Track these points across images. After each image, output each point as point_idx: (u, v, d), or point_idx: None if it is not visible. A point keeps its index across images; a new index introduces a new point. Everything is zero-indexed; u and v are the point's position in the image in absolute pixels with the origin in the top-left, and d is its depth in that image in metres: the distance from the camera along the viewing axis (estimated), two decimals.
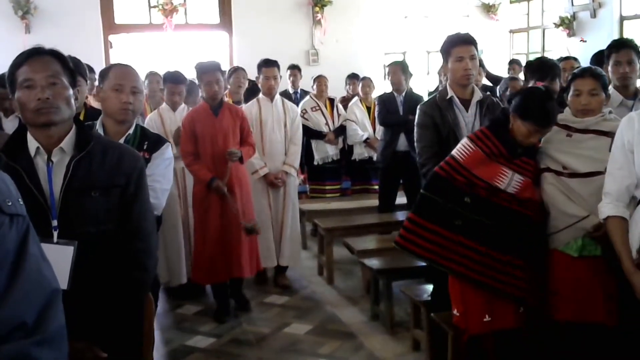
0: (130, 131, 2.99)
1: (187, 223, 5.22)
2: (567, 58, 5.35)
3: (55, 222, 2.09)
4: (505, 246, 3.09)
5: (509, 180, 3.11)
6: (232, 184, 4.73)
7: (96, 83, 5.79)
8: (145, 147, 2.97)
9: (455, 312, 3.25)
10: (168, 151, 3.06)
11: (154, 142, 3.02)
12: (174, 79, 5.33)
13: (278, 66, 5.48)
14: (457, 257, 3.12)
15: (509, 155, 3.13)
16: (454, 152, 3.25)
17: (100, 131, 2.99)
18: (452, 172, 3.19)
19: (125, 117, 2.96)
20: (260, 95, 5.58)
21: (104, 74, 3.06)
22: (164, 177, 3.01)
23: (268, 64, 5.44)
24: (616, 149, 2.65)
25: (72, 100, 2.17)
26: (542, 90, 3.19)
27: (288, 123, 5.55)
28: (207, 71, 4.73)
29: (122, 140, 2.94)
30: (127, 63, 3.16)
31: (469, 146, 3.20)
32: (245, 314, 4.93)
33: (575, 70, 3.30)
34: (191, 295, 5.25)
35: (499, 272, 3.09)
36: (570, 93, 3.16)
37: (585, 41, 8.66)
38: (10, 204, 1.32)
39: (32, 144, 2.15)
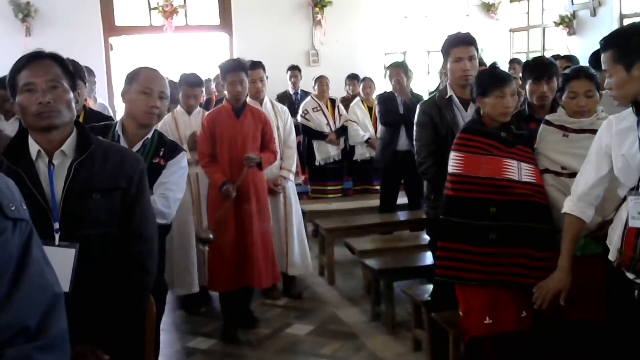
0: (149, 135, 2.99)
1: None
2: (562, 57, 5.34)
3: (57, 225, 2.09)
4: (540, 242, 3.07)
5: (518, 170, 3.10)
6: (248, 189, 4.54)
7: (95, 86, 5.85)
8: (161, 153, 2.96)
9: (460, 312, 3.25)
10: (184, 160, 3.06)
11: (171, 149, 3.01)
12: (190, 81, 5.12)
13: (263, 67, 5.21)
14: (502, 268, 3.07)
15: (497, 143, 3.14)
16: (450, 170, 3.21)
17: (119, 132, 3.00)
18: (463, 186, 3.15)
19: (150, 121, 2.96)
20: (248, 99, 5.12)
21: (132, 76, 3.02)
22: (178, 185, 3.00)
23: (252, 67, 5.08)
24: (593, 151, 2.70)
25: (73, 104, 2.18)
26: (486, 67, 3.29)
27: (280, 126, 5.28)
28: (231, 70, 4.53)
29: (139, 144, 2.95)
30: (139, 66, 3.13)
31: (458, 156, 3.19)
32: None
33: (568, 71, 3.29)
34: (202, 303, 5.11)
35: (539, 269, 3.05)
36: (565, 94, 3.16)
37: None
38: (13, 208, 1.32)
39: (33, 147, 2.15)
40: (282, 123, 5.31)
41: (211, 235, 4.30)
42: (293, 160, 5.38)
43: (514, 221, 3.06)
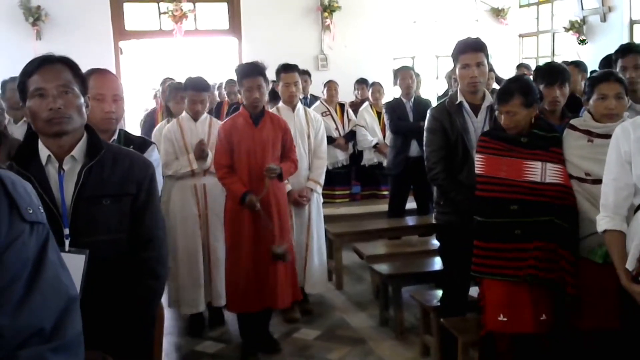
0: (115, 137, 2.92)
1: (207, 246, 4.74)
2: (570, 63, 5.32)
3: (67, 231, 2.08)
4: (563, 239, 3.09)
5: (542, 171, 3.12)
6: (269, 202, 4.22)
7: None
8: None
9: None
10: (154, 153, 2.99)
11: (139, 145, 2.93)
12: (195, 85, 4.74)
13: (299, 71, 4.99)
14: (531, 261, 3.10)
15: (518, 147, 3.17)
16: (476, 170, 3.30)
17: None
18: (487, 186, 3.22)
19: (109, 126, 2.88)
20: (281, 103, 5.08)
21: None
22: None
23: (287, 69, 4.91)
24: (611, 160, 2.64)
25: (84, 109, 2.16)
26: (513, 77, 3.47)
27: (312, 134, 5.04)
28: (249, 75, 4.23)
29: None
30: (107, 69, 3.01)
31: (480, 158, 3.28)
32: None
33: (596, 74, 3.27)
34: (210, 324, 4.90)
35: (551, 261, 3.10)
36: (594, 97, 3.11)
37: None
38: (31, 211, 1.34)
39: (43, 152, 2.14)
40: (314, 132, 5.08)
41: (279, 250, 4.12)
42: (322, 172, 5.13)
43: (538, 216, 3.09)
